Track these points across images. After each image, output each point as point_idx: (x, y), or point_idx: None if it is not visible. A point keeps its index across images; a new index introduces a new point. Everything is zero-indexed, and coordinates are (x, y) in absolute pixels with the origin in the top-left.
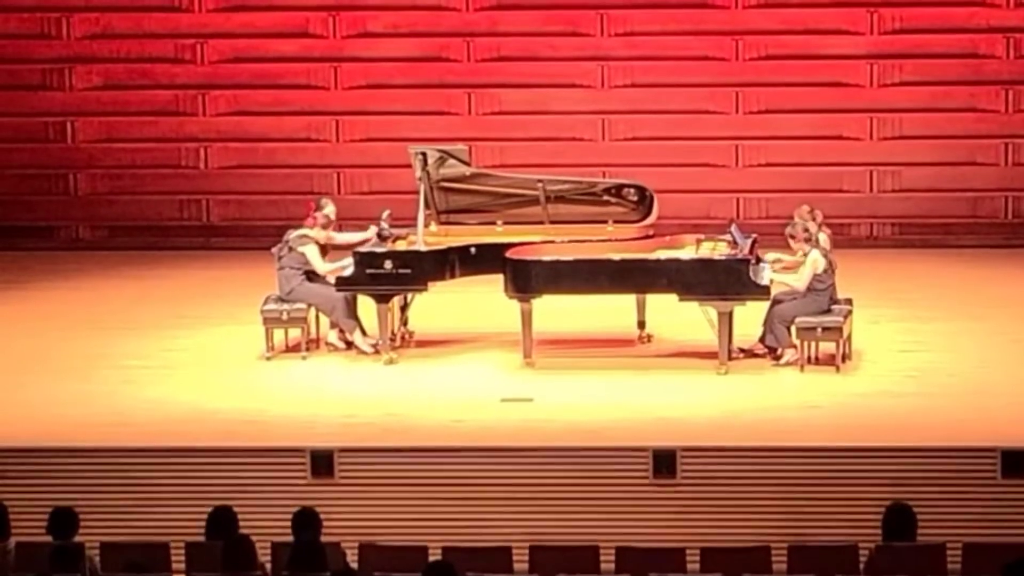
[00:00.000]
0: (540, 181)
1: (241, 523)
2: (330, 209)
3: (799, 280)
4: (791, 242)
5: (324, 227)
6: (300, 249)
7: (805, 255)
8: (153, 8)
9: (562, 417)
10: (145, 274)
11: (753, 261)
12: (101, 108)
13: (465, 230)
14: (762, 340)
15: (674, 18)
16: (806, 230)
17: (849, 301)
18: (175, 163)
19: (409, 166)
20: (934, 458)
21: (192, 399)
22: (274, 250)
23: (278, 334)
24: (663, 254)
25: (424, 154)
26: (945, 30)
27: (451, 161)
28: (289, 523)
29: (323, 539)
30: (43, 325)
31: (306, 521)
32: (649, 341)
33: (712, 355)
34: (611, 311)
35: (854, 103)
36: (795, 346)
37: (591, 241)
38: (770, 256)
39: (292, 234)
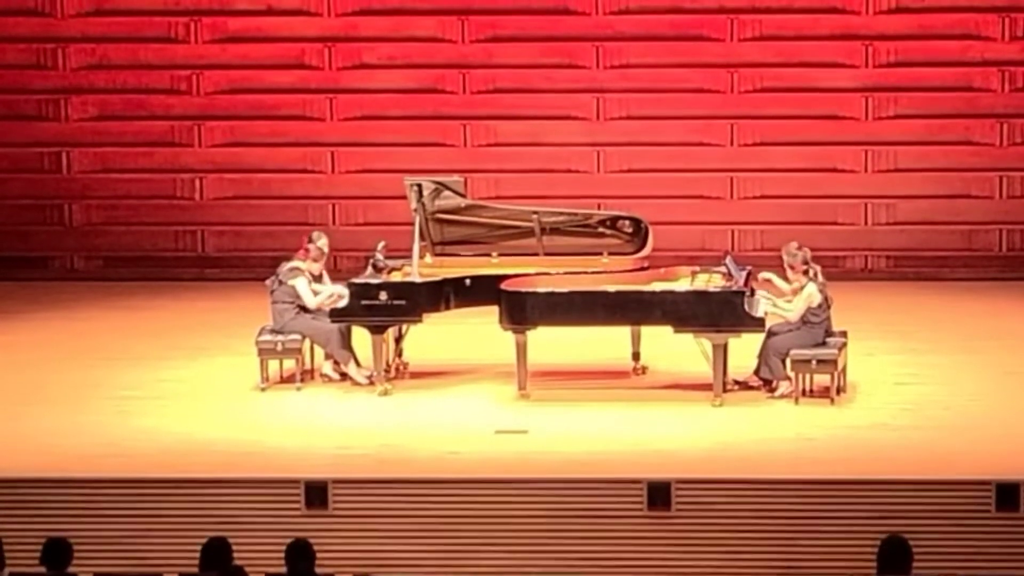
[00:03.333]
0: (535, 213)
1: (235, 554)
2: (323, 242)
3: (792, 312)
4: (789, 272)
5: (316, 259)
6: (290, 283)
7: (801, 287)
8: (149, 39)
9: (557, 449)
10: (140, 305)
11: (748, 293)
12: (96, 139)
13: (460, 261)
14: (757, 372)
15: (669, 50)
16: (806, 262)
17: (844, 334)
18: (170, 194)
19: (404, 197)
20: (929, 491)
21: (186, 430)
22: (267, 282)
23: (273, 365)
24: (658, 286)
25: (419, 185)
26: (940, 63)
27: (446, 193)
28: (283, 555)
29: (317, 571)
30: (37, 356)
31: (300, 553)
32: (644, 373)
33: (707, 387)
34: (606, 343)
35: (849, 136)
36: (790, 378)
37: (586, 273)
38: (764, 275)
39: (284, 267)
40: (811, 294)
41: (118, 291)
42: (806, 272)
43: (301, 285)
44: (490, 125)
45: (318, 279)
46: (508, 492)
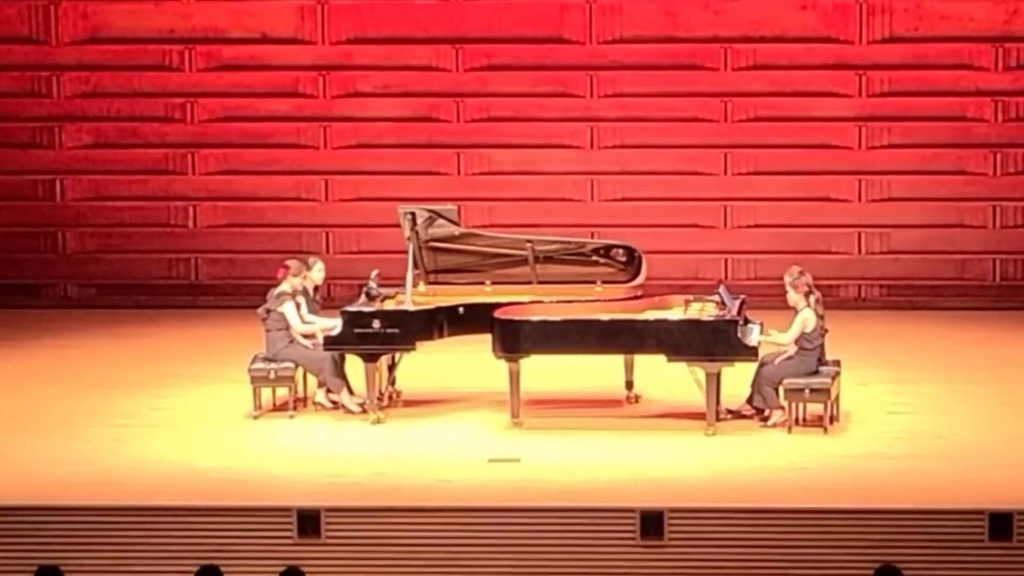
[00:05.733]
0: (529, 241)
1: None
2: (297, 263)
3: (786, 336)
4: (791, 292)
5: (296, 274)
6: (279, 309)
7: (798, 311)
8: (143, 67)
9: (549, 477)
10: (133, 332)
11: (741, 322)
12: (90, 166)
13: (453, 290)
14: (750, 401)
15: (663, 79)
16: (808, 285)
17: (837, 362)
18: (164, 222)
19: (398, 226)
20: (922, 520)
21: (179, 458)
22: (259, 311)
23: (265, 393)
24: (651, 315)
25: (413, 214)
26: (933, 93)
27: (440, 221)
28: None
29: None
30: (31, 383)
31: None
32: (637, 401)
33: (700, 416)
34: (599, 371)
35: (842, 165)
36: (783, 407)
37: (579, 301)
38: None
39: (272, 293)
40: (806, 319)
41: (111, 319)
42: (807, 294)
43: (289, 310)
44: (484, 153)
45: (306, 295)
46: (501, 520)
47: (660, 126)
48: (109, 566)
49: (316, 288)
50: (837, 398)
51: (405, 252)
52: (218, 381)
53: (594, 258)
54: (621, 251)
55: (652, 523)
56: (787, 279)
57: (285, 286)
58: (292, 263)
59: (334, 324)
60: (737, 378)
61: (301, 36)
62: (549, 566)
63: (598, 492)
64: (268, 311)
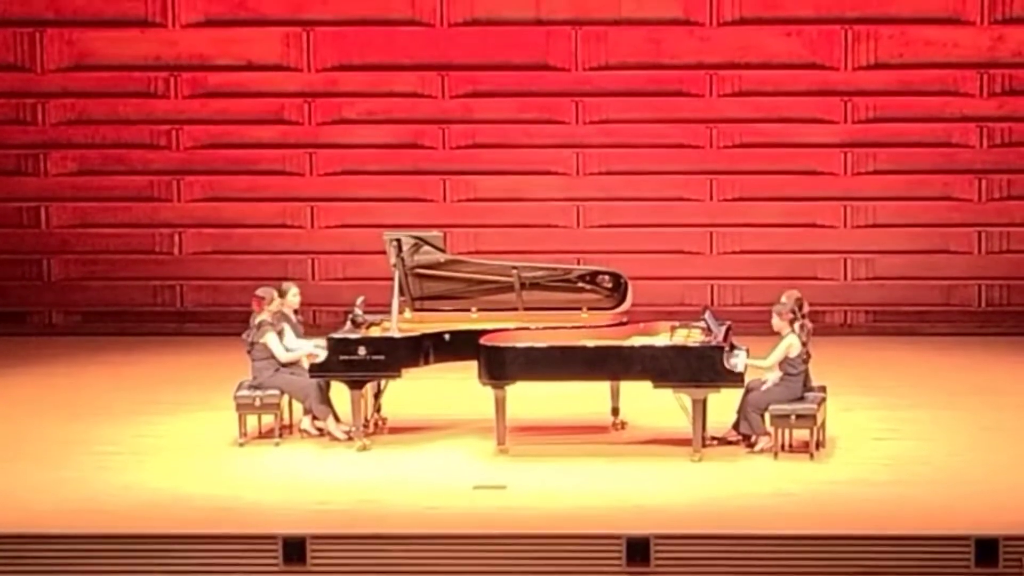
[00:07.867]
0: (515, 268)
1: None
2: (269, 292)
3: (768, 360)
4: (776, 319)
5: (270, 302)
6: (261, 340)
7: (783, 336)
8: (128, 94)
9: (535, 504)
10: (118, 360)
11: (727, 348)
12: (75, 193)
13: (439, 316)
14: (736, 427)
15: (649, 106)
16: (792, 312)
17: (823, 388)
18: (149, 248)
19: (383, 252)
20: (908, 546)
21: (165, 485)
22: (244, 336)
23: (251, 420)
24: (637, 341)
25: (399, 240)
26: (919, 119)
27: (426, 248)
28: None
29: None
30: (16, 411)
31: None
32: (623, 428)
33: (686, 442)
34: (585, 398)
35: (828, 191)
36: (769, 433)
37: (565, 328)
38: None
39: (253, 323)
40: (790, 344)
41: (96, 346)
42: (791, 321)
43: (271, 340)
44: (470, 180)
45: (288, 320)
46: (487, 548)
47: (645, 152)
48: None
49: (296, 312)
50: (823, 424)
51: (391, 279)
52: (204, 408)
53: (580, 284)
54: (607, 277)
55: (638, 550)
56: (781, 299)
57: (265, 315)
58: (264, 292)
59: (316, 350)
60: (723, 404)
61: (286, 63)
62: None
63: (584, 519)
64: (252, 343)
